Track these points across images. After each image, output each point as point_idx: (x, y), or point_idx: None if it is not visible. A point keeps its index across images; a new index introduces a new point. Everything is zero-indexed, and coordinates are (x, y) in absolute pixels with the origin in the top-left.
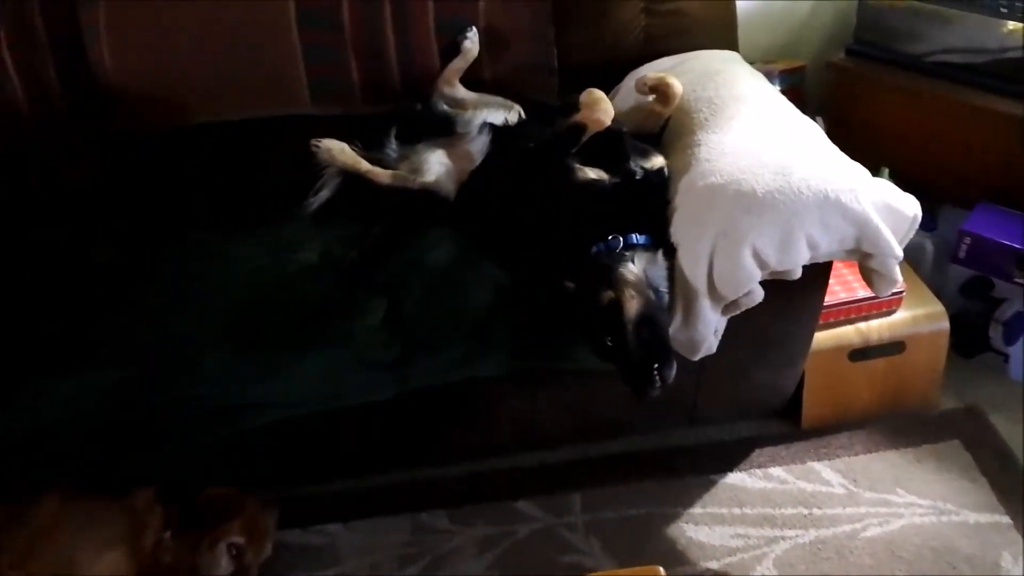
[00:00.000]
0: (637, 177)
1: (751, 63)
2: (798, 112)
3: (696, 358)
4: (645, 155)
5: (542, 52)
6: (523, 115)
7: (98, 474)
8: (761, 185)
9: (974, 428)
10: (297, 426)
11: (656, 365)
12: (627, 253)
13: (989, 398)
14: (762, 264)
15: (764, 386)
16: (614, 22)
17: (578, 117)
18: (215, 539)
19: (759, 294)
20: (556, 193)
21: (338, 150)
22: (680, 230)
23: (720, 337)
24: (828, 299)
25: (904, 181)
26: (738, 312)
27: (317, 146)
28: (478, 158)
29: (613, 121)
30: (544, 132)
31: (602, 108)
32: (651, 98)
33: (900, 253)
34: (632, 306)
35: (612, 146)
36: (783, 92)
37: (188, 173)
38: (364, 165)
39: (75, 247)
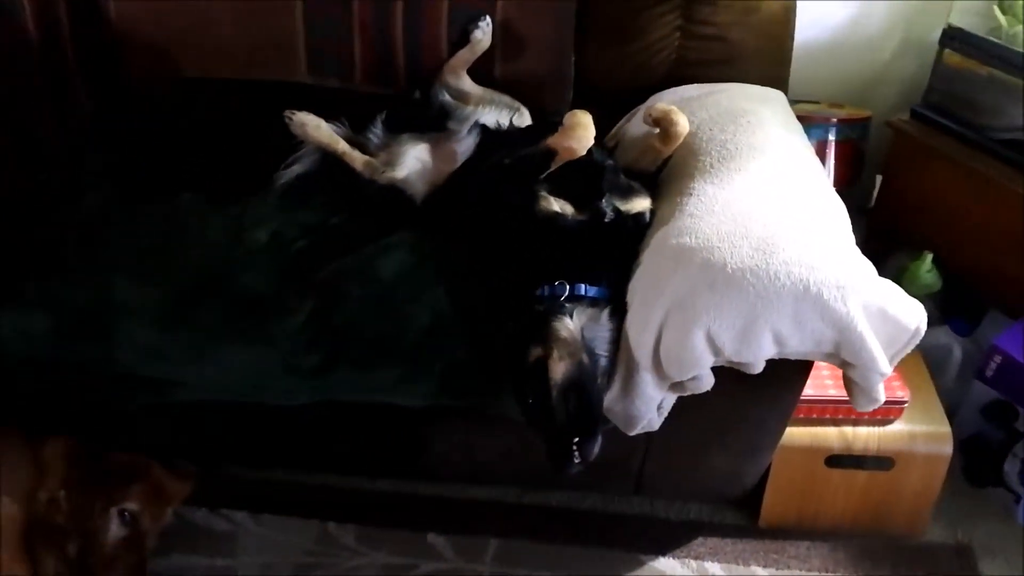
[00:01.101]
0: (606, 219)
1: (813, 103)
2: (822, 177)
3: (633, 433)
4: (627, 195)
5: (559, 60)
6: (528, 120)
7: (15, 415)
8: (735, 259)
9: (958, 569)
10: (222, 407)
11: (576, 439)
12: (568, 305)
13: (986, 539)
14: (715, 350)
15: (721, 471)
16: (644, 38)
17: (551, 140)
18: (107, 504)
19: (707, 382)
20: (512, 221)
21: (313, 125)
22: (636, 290)
23: (666, 414)
24: (813, 392)
25: (950, 273)
26: (685, 394)
27: (290, 118)
28: (460, 160)
29: (600, 150)
30: (518, 150)
31: (577, 136)
32: (655, 131)
33: (887, 369)
34: (559, 369)
35: (589, 178)
36: (839, 143)
37: (182, 130)
38: (341, 146)
39: (56, 190)
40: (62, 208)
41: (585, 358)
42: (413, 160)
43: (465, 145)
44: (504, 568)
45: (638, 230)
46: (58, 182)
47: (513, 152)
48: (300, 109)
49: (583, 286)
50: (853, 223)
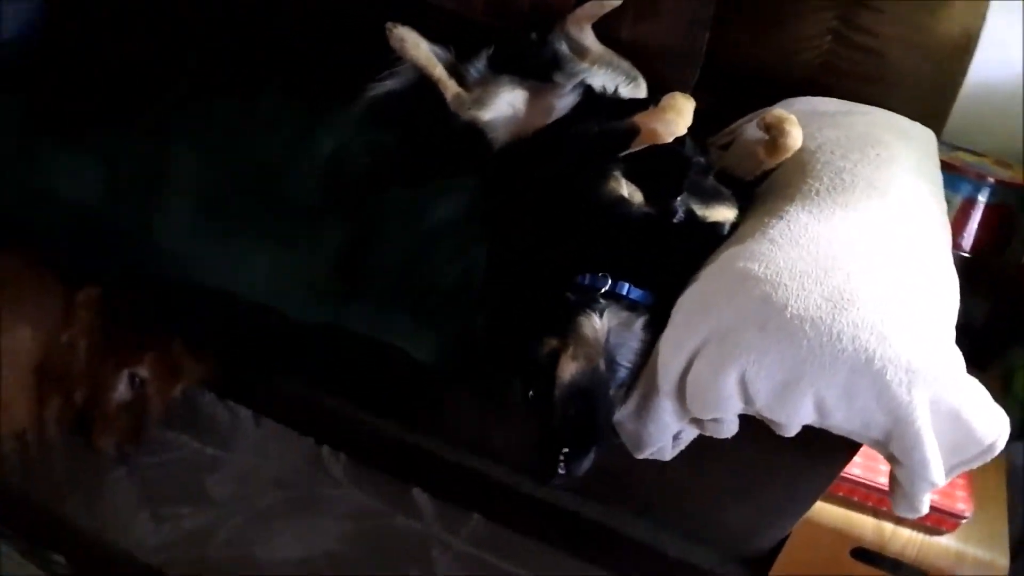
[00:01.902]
0: (674, 219)
1: (972, 153)
2: (942, 240)
3: (640, 456)
4: (710, 199)
5: (693, 33)
6: (643, 93)
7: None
8: (798, 304)
9: None
10: (244, 306)
11: (565, 451)
12: (603, 301)
13: None
14: (746, 397)
15: (735, 524)
16: (791, 31)
17: (637, 118)
18: (121, 364)
19: (730, 428)
20: (575, 195)
21: (412, 43)
22: (683, 305)
23: (682, 447)
24: (860, 473)
25: None
26: (705, 433)
27: (391, 30)
28: (554, 117)
29: (694, 145)
30: (608, 121)
31: (667, 119)
32: (764, 138)
33: (940, 480)
34: (570, 368)
35: (671, 171)
36: (990, 206)
37: (284, 28)
38: (438, 71)
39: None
40: (147, 72)
41: (602, 364)
42: (505, 104)
43: (564, 102)
44: (476, 548)
45: (709, 240)
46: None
47: (603, 122)
48: (409, 25)
49: (627, 285)
50: (980, 301)
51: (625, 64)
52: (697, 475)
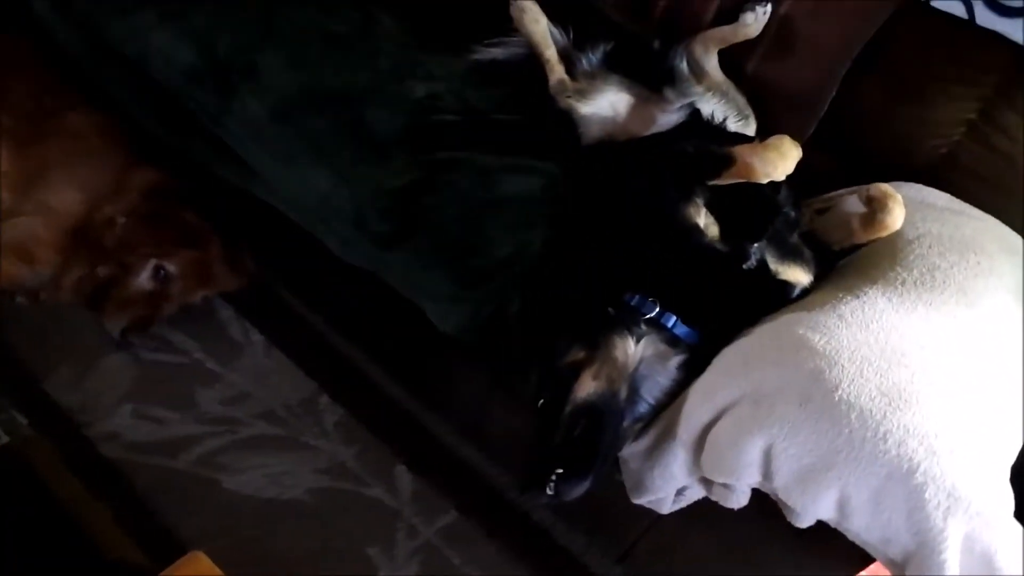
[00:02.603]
0: (744, 265)
1: None
2: (1019, 374)
3: (636, 501)
4: (788, 257)
5: (820, 87)
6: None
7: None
8: (850, 390)
9: None
10: (290, 227)
11: (559, 471)
12: (644, 328)
13: None
14: (765, 471)
15: None
16: (924, 114)
17: (737, 149)
18: (153, 253)
19: (739, 499)
20: (651, 210)
21: (531, 17)
22: (727, 356)
23: (683, 505)
24: None
25: None
26: (711, 497)
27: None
28: (653, 130)
29: (788, 194)
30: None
31: (767, 158)
32: (860, 212)
33: None
34: (589, 386)
35: (756, 215)
36: None
37: None
38: (550, 51)
39: None
40: None
41: (623, 392)
42: (606, 104)
43: (668, 119)
44: (443, 543)
45: (774, 298)
46: None
47: (701, 144)
48: None
49: (674, 318)
50: None
51: (741, 99)
52: (689, 538)
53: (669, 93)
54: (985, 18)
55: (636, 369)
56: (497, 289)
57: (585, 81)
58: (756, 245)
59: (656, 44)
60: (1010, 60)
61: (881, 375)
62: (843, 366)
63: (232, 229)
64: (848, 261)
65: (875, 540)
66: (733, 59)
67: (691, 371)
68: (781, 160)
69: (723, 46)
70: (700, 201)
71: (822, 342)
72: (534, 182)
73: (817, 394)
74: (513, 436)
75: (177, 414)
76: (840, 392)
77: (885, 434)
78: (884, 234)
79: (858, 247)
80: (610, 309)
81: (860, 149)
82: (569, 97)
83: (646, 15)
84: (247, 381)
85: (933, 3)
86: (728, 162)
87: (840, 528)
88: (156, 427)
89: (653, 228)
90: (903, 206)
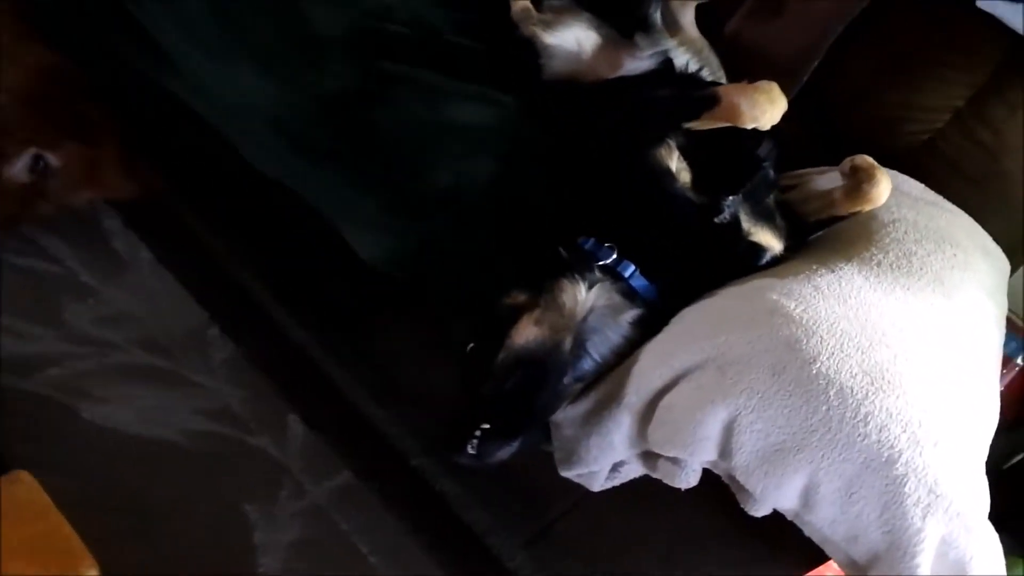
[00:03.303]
0: (717, 218)
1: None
2: (993, 375)
3: (563, 473)
4: (761, 220)
5: (806, 53)
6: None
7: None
8: (831, 364)
9: None
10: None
11: (483, 428)
12: (597, 275)
13: None
14: (725, 448)
15: None
16: (910, 97)
17: (721, 88)
18: (33, 140)
19: (688, 478)
20: (617, 149)
21: None
22: (687, 316)
23: (617, 483)
24: None
25: None
26: (654, 475)
27: None
28: (620, 74)
29: (770, 148)
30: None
31: (756, 100)
32: (840, 183)
33: None
34: (527, 333)
35: (734, 167)
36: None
37: None
38: None
39: None
40: None
41: (567, 343)
42: (572, 38)
43: (638, 65)
44: (330, 507)
45: (743, 261)
46: None
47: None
48: None
49: (633, 268)
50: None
51: (715, 60)
52: (611, 525)
53: (640, 40)
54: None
55: (584, 320)
56: (431, 220)
57: (551, 14)
58: (731, 198)
59: None
60: (1006, 48)
61: (862, 352)
62: (822, 337)
63: (135, 132)
64: (816, 239)
65: (838, 536)
66: (711, 15)
67: (645, 330)
68: (770, 105)
69: (703, 1)
70: (673, 144)
71: (798, 310)
72: (487, 112)
73: (792, 364)
74: (426, 395)
75: (39, 329)
76: (819, 365)
77: (866, 416)
78: (868, 207)
79: (834, 220)
80: (561, 250)
81: (837, 125)
82: (532, 25)
83: None
84: (127, 301)
85: None
86: (712, 101)
87: (799, 521)
88: (14, 341)
89: (617, 169)
90: (890, 179)
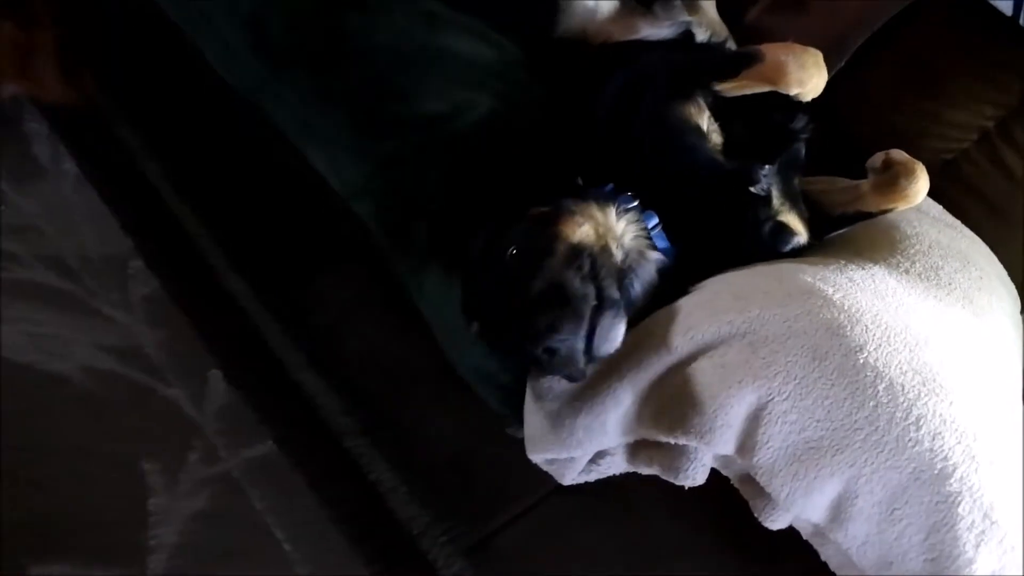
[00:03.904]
0: (751, 186)
1: None
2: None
3: (533, 457)
4: (789, 202)
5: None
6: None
7: None
8: (878, 354)
9: None
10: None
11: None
12: (623, 208)
13: None
14: (748, 439)
15: None
16: (936, 112)
17: (765, 46)
18: None
19: (696, 474)
20: (642, 106)
21: None
22: (712, 286)
23: (593, 478)
24: None
25: None
26: (647, 469)
27: None
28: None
29: (808, 123)
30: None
31: (804, 62)
32: (870, 179)
33: None
34: (578, 231)
35: (770, 135)
36: None
37: None
38: None
39: None
40: None
41: (617, 254)
42: None
43: (656, 32)
44: (244, 477)
45: (766, 241)
46: None
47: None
48: None
49: (657, 221)
50: None
51: (733, 47)
52: (578, 533)
53: (658, 9)
54: None
55: (622, 243)
56: (413, 148)
57: None
58: (768, 167)
59: None
60: None
61: (911, 349)
62: (866, 326)
63: (80, 27)
64: (832, 242)
65: (868, 561)
66: (732, 3)
67: (663, 289)
68: (817, 71)
69: None
70: (702, 102)
71: (837, 295)
72: (488, 52)
73: (836, 351)
74: (370, 368)
75: None
76: (865, 354)
77: (918, 419)
78: (903, 205)
79: (860, 217)
80: (579, 180)
81: (854, 135)
82: None
83: None
84: (39, 214)
85: None
86: (754, 58)
87: (819, 539)
88: None
89: (639, 124)
90: (928, 178)
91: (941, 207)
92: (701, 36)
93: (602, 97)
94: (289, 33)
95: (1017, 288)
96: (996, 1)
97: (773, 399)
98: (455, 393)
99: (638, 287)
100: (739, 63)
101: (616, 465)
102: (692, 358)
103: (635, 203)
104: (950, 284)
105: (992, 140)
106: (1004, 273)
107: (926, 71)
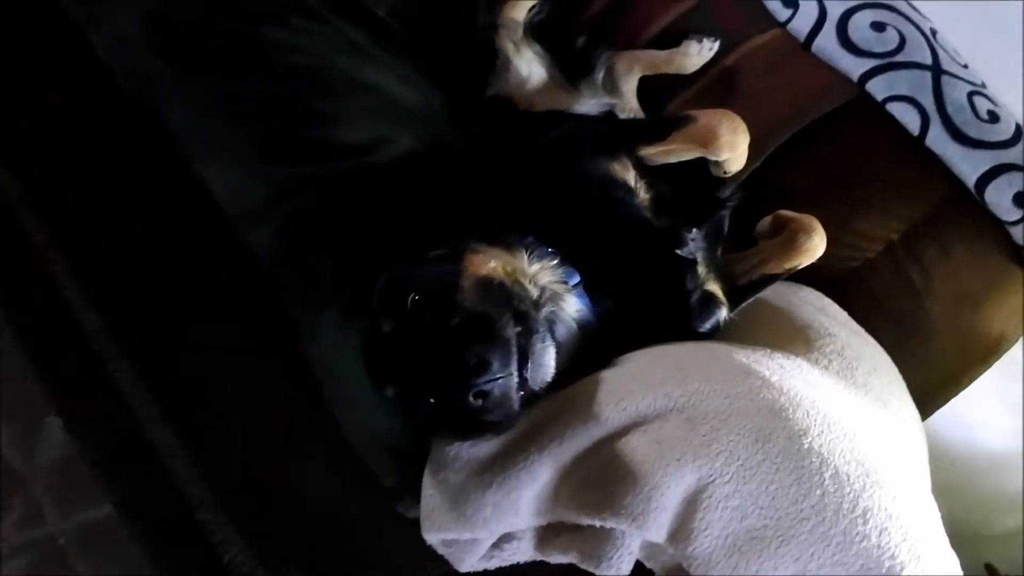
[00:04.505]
0: (679, 248)
1: None
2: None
3: (427, 535)
4: (716, 274)
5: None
6: None
7: None
8: (822, 441)
9: None
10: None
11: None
12: (539, 260)
13: None
14: (681, 526)
15: None
16: (847, 218)
17: (696, 112)
18: None
19: (620, 564)
20: (561, 161)
21: None
22: (640, 359)
23: (493, 565)
24: None
25: None
26: (563, 558)
27: None
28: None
29: (736, 194)
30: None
31: (736, 127)
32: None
33: None
34: (487, 266)
35: (697, 201)
36: None
37: None
38: None
39: None
40: None
41: (533, 292)
42: (525, 66)
43: (581, 107)
44: (80, 544)
45: (692, 312)
46: None
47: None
48: None
49: (578, 277)
50: None
51: None
52: None
53: (584, 87)
54: (936, 138)
55: (536, 280)
56: (326, 177)
57: (522, 40)
58: (696, 231)
59: (580, 41)
60: (947, 190)
61: (849, 439)
62: (807, 411)
63: None
64: (749, 333)
65: None
66: (653, 91)
67: (584, 353)
68: (745, 139)
69: (650, 72)
70: (629, 162)
71: (775, 378)
72: (412, 94)
73: (780, 433)
74: (239, 432)
75: None
76: (810, 439)
77: (865, 512)
78: (805, 262)
79: (766, 282)
80: (495, 220)
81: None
82: (511, 39)
83: (581, 11)
84: None
85: (888, 106)
86: (686, 121)
87: None
88: None
89: (562, 177)
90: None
91: (847, 314)
92: (623, 117)
93: (539, 146)
94: (201, 36)
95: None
96: (905, 120)
97: (714, 480)
98: (338, 458)
99: (561, 328)
100: (669, 125)
101: (523, 552)
102: (624, 431)
103: (556, 258)
104: (865, 385)
105: (896, 252)
106: (904, 385)
107: (839, 179)
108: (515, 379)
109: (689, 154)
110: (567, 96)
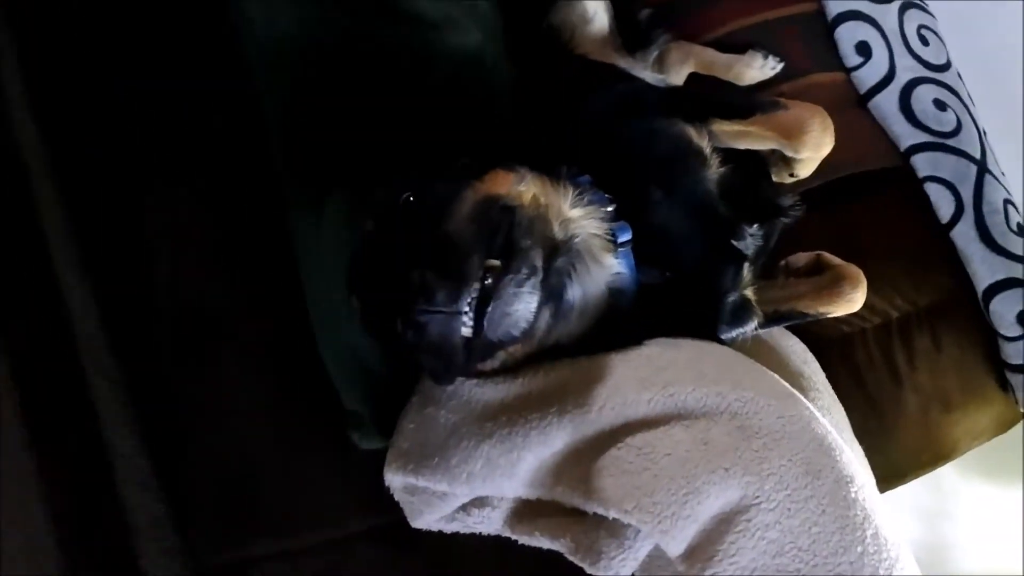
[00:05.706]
0: (735, 242)
1: None
2: None
3: (389, 475)
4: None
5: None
6: None
7: None
8: (864, 496)
9: None
10: None
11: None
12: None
13: None
14: (701, 544)
15: None
16: None
17: (788, 100)
18: None
19: (622, 566)
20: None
21: None
22: (682, 346)
23: (451, 530)
24: None
25: None
26: (543, 543)
27: None
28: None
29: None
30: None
31: (826, 125)
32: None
33: None
34: (508, 186)
35: (763, 196)
36: None
37: None
38: None
39: None
40: None
41: (556, 231)
42: (596, 2)
43: (633, 70)
44: None
45: (727, 314)
46: None
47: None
48: None
49: (630, 232)
50: None
51: None
52: None
53: (639, 56)
54: (963, 232)
55: (568, 230)
56: (376, 42)
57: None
58: (755, 226)
59: (644, 14)
60: (956, 284)
61: (877, 499)
62: (849, 459)
63: None
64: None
65: None
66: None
67: (613, 317)
68: (830, 143)
69: (702, 71)
70: (704, 130)
71: (819, 413)
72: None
73: (829, 474)
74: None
75: None
76: (855, 489)
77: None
78: (842, 312)
79: (792, 318)
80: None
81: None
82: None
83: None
84: None
85: (926, 185)
86: (775, 106)
87: None
88: None
89: (639, 135)
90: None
91: (825, 376)
92: None
93: (594, 101)
94: None
95: None
96: (939, 204)
97: (760, 503)
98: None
99: (577, 290)
100: (755, 106)
101: (491, 523)
102: (663, 420)
103: (610, 207)
104: (851, 447)
105: (891, 331)
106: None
107: (858, 239)
108: (463, 320)
109: (765, 143)
110: (619, 58)
